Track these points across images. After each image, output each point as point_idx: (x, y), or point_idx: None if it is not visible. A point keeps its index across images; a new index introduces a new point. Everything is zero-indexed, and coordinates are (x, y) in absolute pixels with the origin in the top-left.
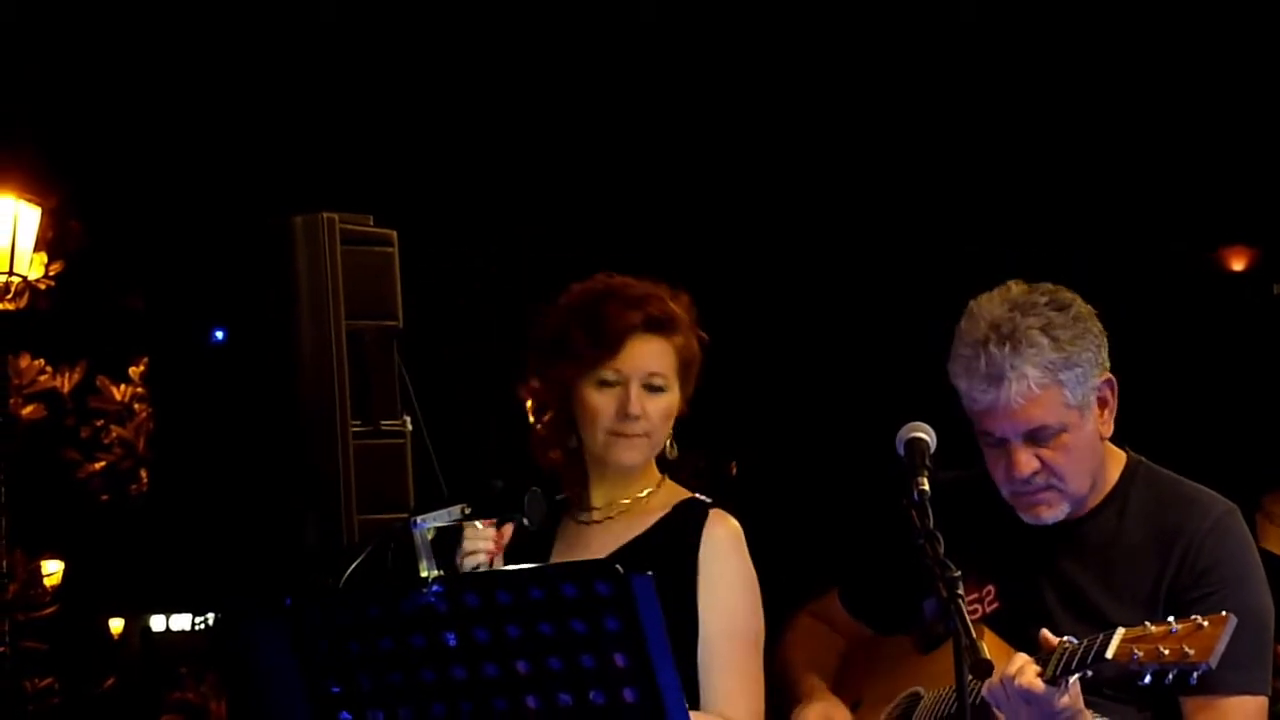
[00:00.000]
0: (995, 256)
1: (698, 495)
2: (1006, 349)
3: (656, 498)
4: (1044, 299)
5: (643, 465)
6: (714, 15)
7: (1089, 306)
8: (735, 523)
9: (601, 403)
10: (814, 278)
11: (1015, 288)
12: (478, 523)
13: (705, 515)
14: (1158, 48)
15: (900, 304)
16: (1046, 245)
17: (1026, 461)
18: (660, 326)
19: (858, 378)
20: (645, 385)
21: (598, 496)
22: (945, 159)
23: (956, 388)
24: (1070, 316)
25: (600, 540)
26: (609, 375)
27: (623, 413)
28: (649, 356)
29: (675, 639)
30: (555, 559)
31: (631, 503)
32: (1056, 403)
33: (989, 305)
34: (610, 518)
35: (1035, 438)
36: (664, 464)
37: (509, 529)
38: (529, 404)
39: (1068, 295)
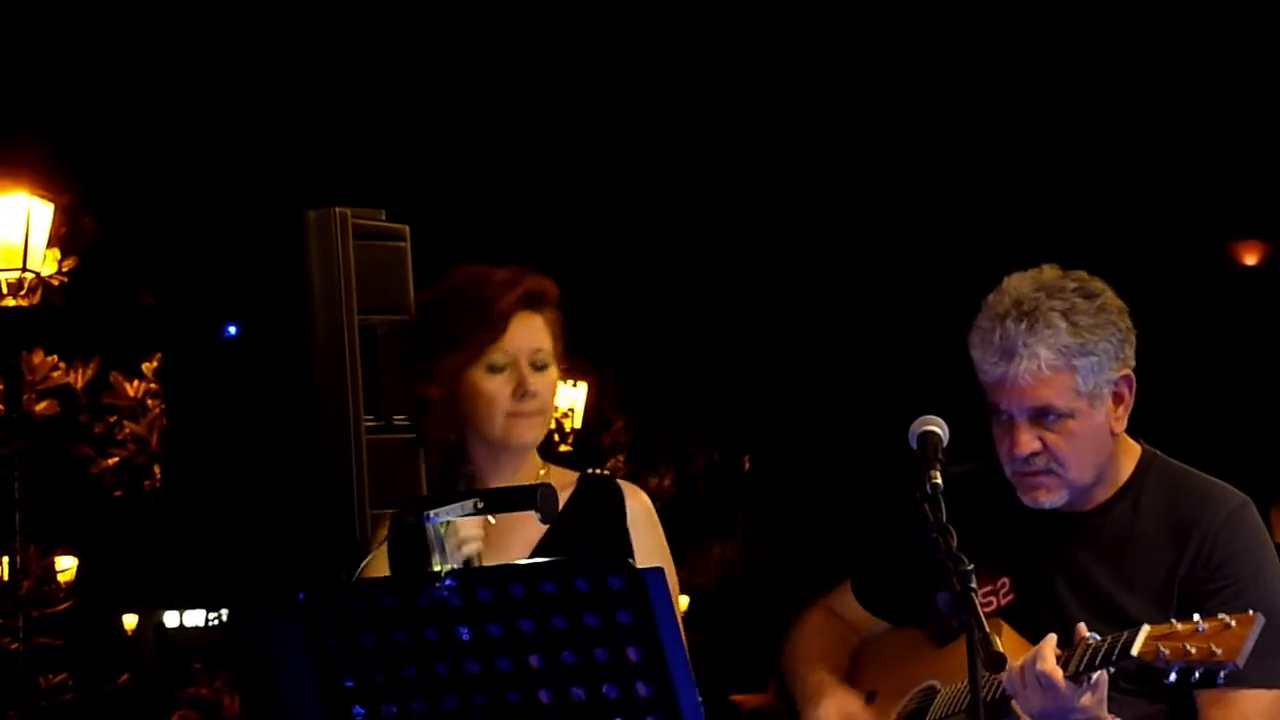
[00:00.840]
0: (995, 256)
1: (590, 470)
2: (1023, 326)
3: (553, 481)
4: (1073, 285)
5: (535, 445)
6: (714, 16)
7: (1121, 302)
8: (644, 493)
9: (494, 387)
10: (822, 277)
11: (1049, 271)
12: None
13: (618, 489)
14: (1168, 43)
15: (907, 301)
16: (1050, 245)
17: (1028, 441)
18: (538, 302)
19: (869, 373)
20: (531, 363)
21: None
22: (947, 159)
23: (972, 358)
24: (1096, 306)
25: (511, 535)
26: (498, 358)
27: (520, 392)
28: (532, 334)
29: None
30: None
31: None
32: (1066, 387)
33: (1018, 282)
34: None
35: (1040, 418)
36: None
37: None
38: (424, 406)
39: (1099, 285)
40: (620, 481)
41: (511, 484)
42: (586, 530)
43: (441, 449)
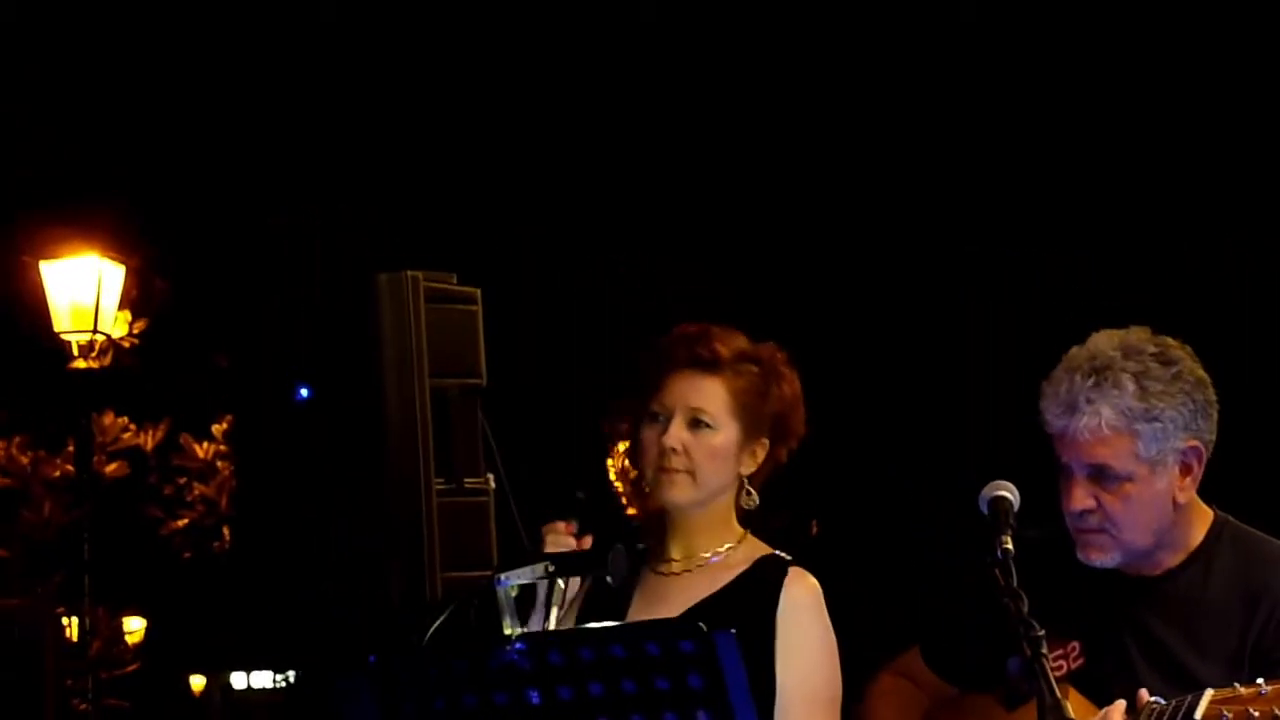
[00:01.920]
0: (1057, 299)
1: (779, 552)
2: (1091, 382)
3: (738, 553)
4: (1153, 349)
5: (694, 507)
6: (715, 17)
7: (1203, 374)
8: (815, 582)
9: (649, 438)
10: (890, 335)
11: (1136, 332)
12: (559, 524)
13: (784, 573)
14: (1183, 53)
15: (986, 363)
16: (1061, 249)
17: (1081, 498)
18: (705, 364)
19: (941, 437)
20: (690, 421)
21: (675, 548)
22: (984, 190)
23: (1040, 407)
24: (1171, 373)
25: (678, 594)
26: (656, 410)
27: (661, 447)
28: (692, 392)
29: (753, 699)
30: (634, 611)
31: (711, 556)
32: (1126, 450)
33: (1102, 339)
34: (689, 571)
35: (1098, 477)
36: (748, 520)
37: (589, 539)
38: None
39: (1180, 353)
40: (793, 568)
41: (691, 549)
42: (733, 610)
43: (639, 494)
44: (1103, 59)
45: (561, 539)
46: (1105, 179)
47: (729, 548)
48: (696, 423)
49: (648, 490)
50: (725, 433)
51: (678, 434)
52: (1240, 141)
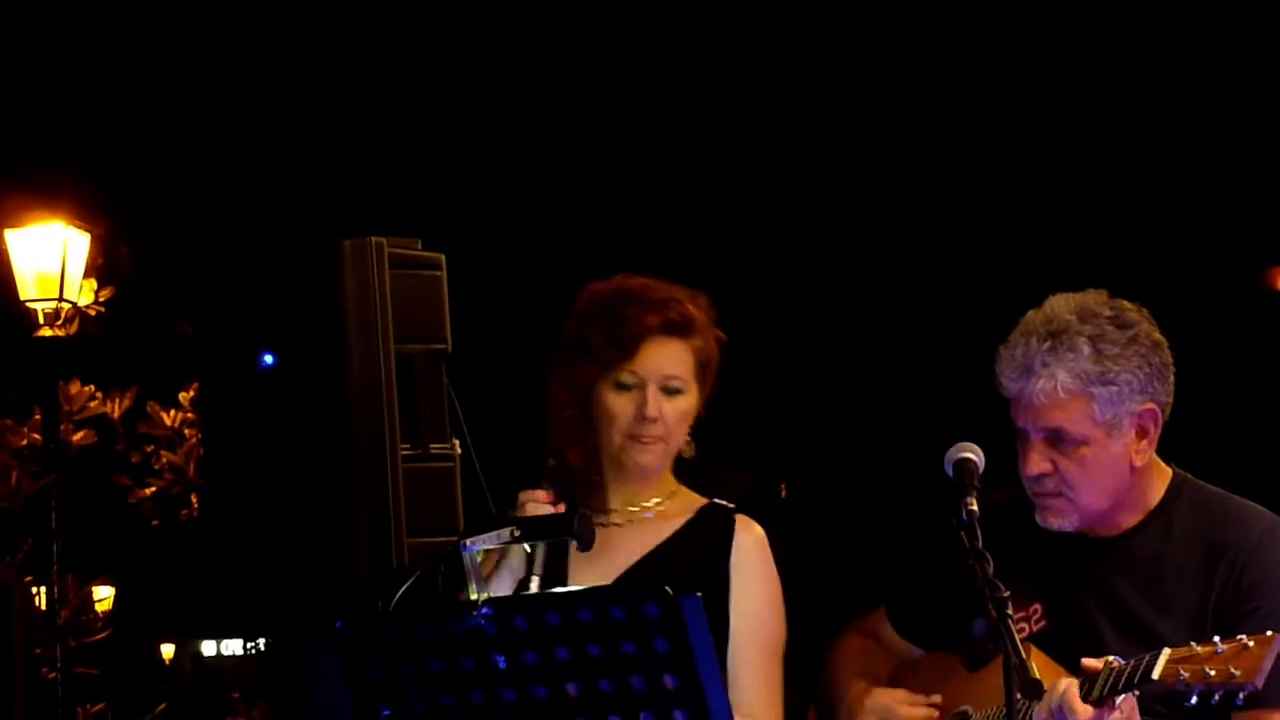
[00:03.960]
0: (1022, 278)
1: (717, 500)
2: (1047, 345)
3: (675, 503)
4: (1109, 312)
5: (659, 468)
6: (714, 17)
7: (1160, 337)
8: (760, 529)
9: (619, 405)
10: (858, 302)
11: (1092, 295)
12: (539, 492)
13: (732, 522)
14: (1183, 54)
15: (945, 326)
16: (1080, 274)
17: (1037, 461)
18: (678, 329)
19: (906, 399)
20: (663, 388)
21: (615, 499)
22: (972, 183)
23: (996, 370)
24: (1127, 336)
25: (622, 545)
26: (627, 378)
27: (640, 415)
28: (666, 359)
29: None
30: (575, 563)
31: (652, 507)
32: (1082, 414)
33: (1059, 302)
34: (631, 522)
35: (1054, 441)
36: (680, 466)
37: (564, 506)
38: (551, 404)
39: (1136, 316)
40: (739, 516)
41: (632, 500)
42: (685, 559)
43: (566, 450)
44: (1102, 60)
45: (541, 507)
46: (1105, 179)
47: (668, 497)
48: (669, 389)
49: (614, 453)
50: (690, 395)
51: (657, 403)
52: (1240, 141)
